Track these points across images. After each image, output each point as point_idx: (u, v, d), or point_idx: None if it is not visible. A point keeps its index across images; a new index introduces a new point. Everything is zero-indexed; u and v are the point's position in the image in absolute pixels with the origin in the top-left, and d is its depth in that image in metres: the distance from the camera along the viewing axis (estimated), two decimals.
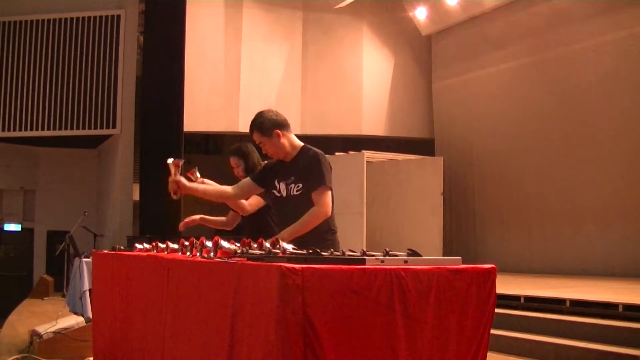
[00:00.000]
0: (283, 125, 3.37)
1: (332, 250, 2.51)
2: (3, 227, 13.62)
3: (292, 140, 3.40)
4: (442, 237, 11.68)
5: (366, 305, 2.13)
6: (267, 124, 3.34)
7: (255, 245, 2.55)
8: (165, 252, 3.44)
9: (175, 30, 10.93)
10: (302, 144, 3.42)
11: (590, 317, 5.78)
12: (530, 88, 11.86)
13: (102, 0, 12.16)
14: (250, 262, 2.36)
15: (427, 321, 2.26)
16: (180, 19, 11.01)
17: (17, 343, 6.24)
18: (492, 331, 2.53)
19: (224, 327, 2.39)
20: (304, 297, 2.03)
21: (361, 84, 13.49)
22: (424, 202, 11.84)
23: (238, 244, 2.62)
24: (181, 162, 3.38)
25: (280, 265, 2.04)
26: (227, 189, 3.53)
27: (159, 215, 10.36)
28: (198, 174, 3.74)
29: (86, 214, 10.33)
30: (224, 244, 2.62)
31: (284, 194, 3.36)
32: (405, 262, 2.28)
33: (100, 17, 12.03)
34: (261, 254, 2.45)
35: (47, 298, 10.75)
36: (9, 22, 11.93)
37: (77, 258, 6.40)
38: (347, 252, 2.45)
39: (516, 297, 6.70)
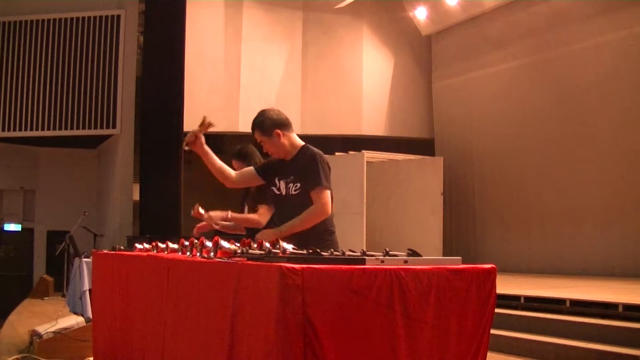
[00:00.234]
0: (284, 125, 3.38)
1: (332, 250, 2.52)
2: (3, 227, 13.62)
3: (292, 140, 3.41)
4: (442, 237, 11.67)
5: (366, 305, 2.13)
6: (267, 124, 3.36)
7: (255, 245, 2.55)
8: (165, 252, 3.44)
9: (175, 30, 10.93)
10: (302, 143, 3.44)
11: (590, 317, 5.78)
12: (530, 88, 11.86)
13: (102, 0, 12.16)
14: (250, 262, 2.36)
15: (427, 321, 2.26)
16: (180, 19, 11.02)
17: (17, 343, 6.24)
18: (492, 331, 2.53)
19: (224, 327, 2.39)
20: (304, 297, 2.03)
21: (361, 84, 13.48)
22: (424, 202, 11.84)
23: (238, 244, 2.62)
24: (212, 127, 3.42)
25: (280, 265, 2.04)
26: (231, 171, 3.56)
27: (159, 215, 10.39)
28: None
29: (86, 214, 10.32)
30: (224, 244, 2.63)
31: (283, 192, 3.39)
32: (405, 262, 2.28)
33: (100, 17, 12.03)
34: (261, 254, 2.45)
35: (47, 298, 10.76)
36: (9, 22, 11.93)
37: (77, 258, 6.40)
38: (347, 252, 2.45)
39: (516, 297, 6.70)
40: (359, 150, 11.67)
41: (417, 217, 11.80)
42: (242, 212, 4.20)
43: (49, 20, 11.97)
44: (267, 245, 2.48)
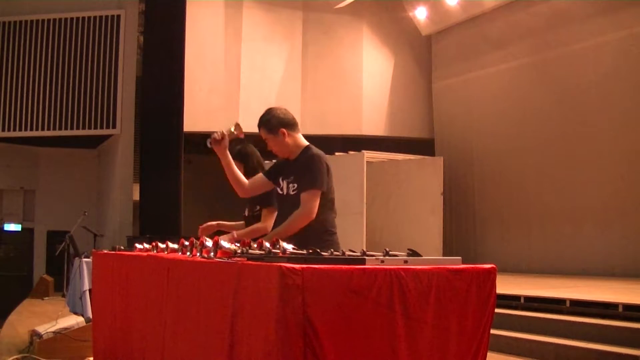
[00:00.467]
0: (290, 124, 3.39)
1: (332, 250, 2.52)
2: (3, 227, 13.62)
3: (297, 140, 3.43)
4: (442, 237, 11.67)
5: (366, 305, 2.13)
6: (273, 122, 3.38)
7: (255, 245, 2.55)
8: (165, 252, 3.44)
9: (175, 30, 10.94)
10: (306, 144, 3.45)
11: (590, 317, 5.78)
12: (530, 88, 11.86)
13: (102, 0, 12.16)
14: (250, 262, 2.36)
15: (427, 321, 2.26)
16: (180, 19, 11.02)
17: (17, 343, 6.24)
18: (492, 331, 2.53)
19: (224, 327, 2.39)
20: (304, 297, 2.02)
21: (361, 84, 13.49)
22: (424, 202, 11.84)
23: (238, 244, 2.62)
24: (240, 135, 3.44)
25: (280, 265, 2.04)
26: (244, 179, 3.57)
27: (159, 215, 10.39)
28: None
29: (86, 214, 10.32)
30: (224, 244, 2.63)
31: (285, 192, 3.42)
32: (405, 262, 2.28)
33: (100, 17, 12.03)
34: (261, 254, 2.45)
35: (47, 298, 10.76)
36: (9, 22, 11.93)
37: (77, 258, 6.40)
38: (347, 252, 2.45)
39: (516, 297, 6.70)
40: (359, 150, 11.67)
41: (417, 217, 11.80)
42: (244, 213, 4.20)
43: (49, 20, 11.97)
44: (267, 245, 2.48)
